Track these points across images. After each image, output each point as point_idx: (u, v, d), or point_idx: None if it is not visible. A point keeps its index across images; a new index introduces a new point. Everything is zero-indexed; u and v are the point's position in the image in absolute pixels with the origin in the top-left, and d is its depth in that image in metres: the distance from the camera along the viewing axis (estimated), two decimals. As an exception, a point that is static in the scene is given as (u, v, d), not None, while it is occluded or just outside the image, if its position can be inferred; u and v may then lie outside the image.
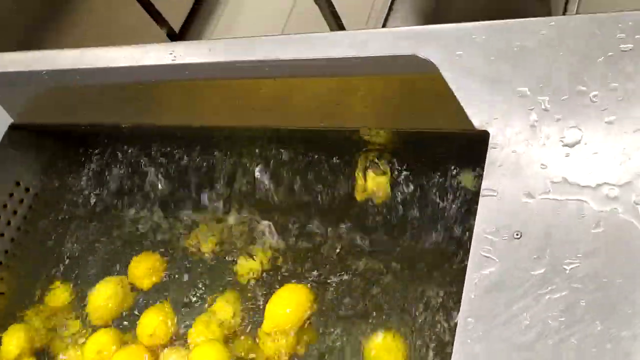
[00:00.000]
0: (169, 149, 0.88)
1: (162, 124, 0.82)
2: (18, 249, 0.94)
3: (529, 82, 0.57)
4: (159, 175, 0.88)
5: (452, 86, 0.57)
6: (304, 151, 0.76)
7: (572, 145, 0.53)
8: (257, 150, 0.79)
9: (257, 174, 0.79)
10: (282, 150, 0.76)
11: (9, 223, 0.93)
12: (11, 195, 0.94)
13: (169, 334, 0.78)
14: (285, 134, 0.74)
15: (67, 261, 0.94)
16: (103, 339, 0.80)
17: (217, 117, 0.77)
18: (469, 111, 0.57)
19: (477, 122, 0.57)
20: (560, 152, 0.54)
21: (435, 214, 0.69)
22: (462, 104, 0.57)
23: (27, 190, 0.96)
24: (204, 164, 0.84)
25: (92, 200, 0.95)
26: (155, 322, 0.78)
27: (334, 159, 0.75)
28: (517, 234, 0.51)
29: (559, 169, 0.53)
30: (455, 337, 0.49)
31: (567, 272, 0.49)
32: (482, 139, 0.56)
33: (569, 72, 0.55)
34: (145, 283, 0.85)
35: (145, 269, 0.85)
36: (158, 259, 0.86)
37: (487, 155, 0.56)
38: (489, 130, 0.56)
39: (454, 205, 0.68)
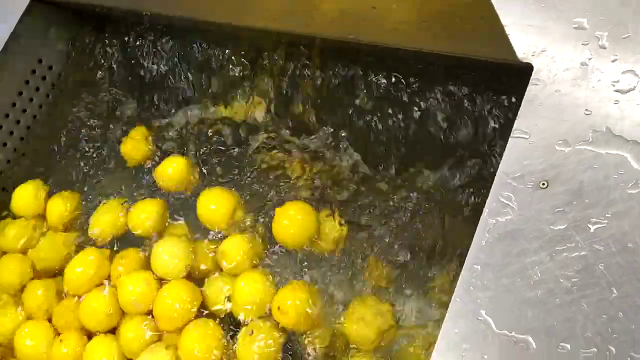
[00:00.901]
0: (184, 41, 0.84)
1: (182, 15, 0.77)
2: (38, 127, 0.93)
3: (589, 12, 0.50)
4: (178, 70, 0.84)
5: (499, 10, 0.50)
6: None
7: (624, 92, 0.47)
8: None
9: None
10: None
11: (31, 100, 0.92)
12: (33, 72, 0.92)
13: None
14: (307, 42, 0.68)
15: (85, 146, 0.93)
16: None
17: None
18: (514, 40, 0.51)
19: (522, 52, 0.51)
20: (610, 98, 0.48)
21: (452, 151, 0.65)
22: (507, 31, 0.51)
23: (49, 68, 0.93)
24: (222, 64, 0.80)
25: (111, 88, 0.92)
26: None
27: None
28: (543, 183, 0.47)
29: (605, 118, 0.47)
30: (458, 282, 0.47)
31: (591, 231, 0.45)
32: (523, 72, 0.50)
33: (637, 7, 0.48)
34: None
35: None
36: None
37: (527, 91, 0.50)
38: (533, 63, 0.50)
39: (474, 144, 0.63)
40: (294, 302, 0.64)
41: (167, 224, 0.78)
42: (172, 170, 0.79)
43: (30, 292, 0.77)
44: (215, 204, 0.73)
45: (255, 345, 0.63)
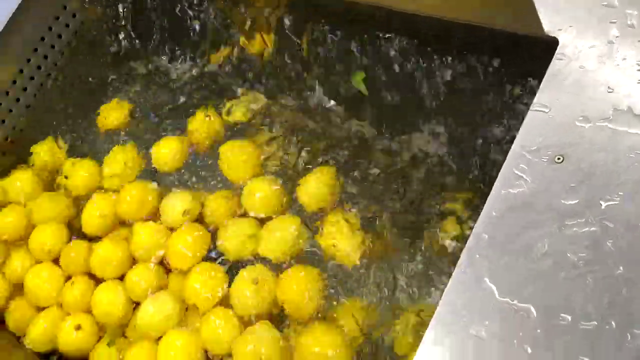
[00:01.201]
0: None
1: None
2: (61, 74, 0.94)
3: (621, -11, 0.50)
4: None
5: (529, -20, 0.50)
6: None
7: (649, 72, 0.47)
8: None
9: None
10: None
11: (52, 47, 0.92)
12: (57, 18, 0.92)
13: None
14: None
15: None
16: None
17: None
18: (542, 13, 0.50)
19: (548, 27, 0.50)
20: (634, 78, 0.47)
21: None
22: (535, 5, 0.50)
23: (73, 15, 0.94)
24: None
25: (133, 38, 0.92)
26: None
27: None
28: (559, 158, 0.47)
29: (627, 97, 0.47)
30: (464, 249, 0.47)
31: (603, 208, 0.45)
32: (548, 46, 0.50)
33: (671, -14, 0.47)
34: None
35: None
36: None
37: (550, 65, 0.50)
38: (559, 38, 0.50)
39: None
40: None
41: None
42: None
43: (39, 236, 0.78)
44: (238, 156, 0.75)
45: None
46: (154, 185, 0.78)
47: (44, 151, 0.87)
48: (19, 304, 0.77)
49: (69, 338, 0.71)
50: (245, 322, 0.65)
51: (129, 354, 0.68)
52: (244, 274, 0.66)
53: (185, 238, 0.71)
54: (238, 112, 0.82)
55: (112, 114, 0.88)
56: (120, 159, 0.81)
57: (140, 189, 0.77)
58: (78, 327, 0.71)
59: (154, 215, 0.76)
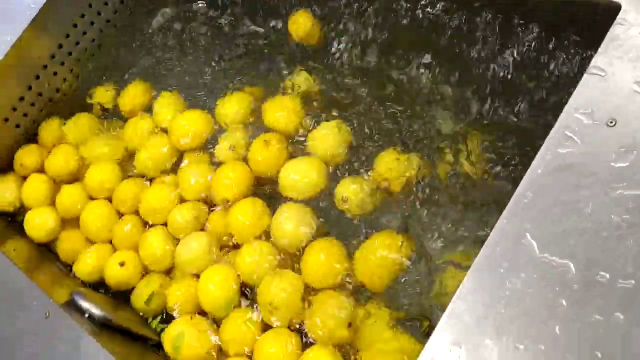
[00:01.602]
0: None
1: None
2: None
3: (690, -43, 0.49)
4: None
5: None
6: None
7: None
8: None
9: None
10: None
11: (106, 3, 0.94)
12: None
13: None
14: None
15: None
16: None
17: None
18: (607, -25, 0.50)
19: (612, -10, 0.50)
20: (695, 47, 0.47)
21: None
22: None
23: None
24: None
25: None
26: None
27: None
28: (611, 121, 0.47)
29: (686, 65, 0.47)
30: (508, 206, 0.48)
31: (651, 173, 0.45)
32: (610, 10, 0.50)
33: None
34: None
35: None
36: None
37: (610, 30, 0.50)
38: (622, 3, 0.50)
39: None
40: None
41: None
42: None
43: (95, 173, 0.82)
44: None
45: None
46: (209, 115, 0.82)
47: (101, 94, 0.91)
48: (69, 236, 0.81)
49: (113, 272, 0.75)
50: (286, 255, 0.69)
51: (170, 291, 0.71)
52: (284, 208, 0.69)
53: (231, 172, 0.74)
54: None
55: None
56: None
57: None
58: (122, 264, 0.75)
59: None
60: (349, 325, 0.62)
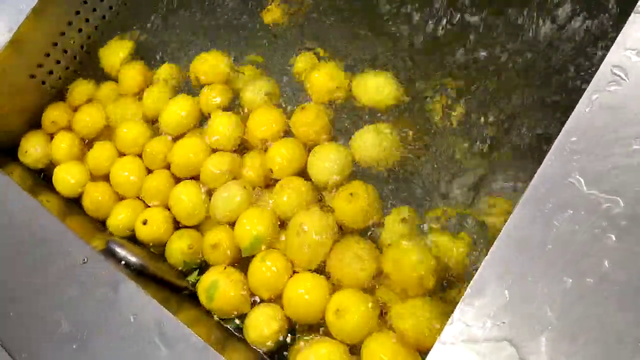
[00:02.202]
0: None
1: None
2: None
3: None
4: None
5: None
6: None
7: None
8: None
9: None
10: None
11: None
12: None
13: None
14: None
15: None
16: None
17: None
18: None
19: None
20: None
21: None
22: None
23: None
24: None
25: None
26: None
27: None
28: (660, 60, 0.47)
29: None
30: (554, 145, 0.48)
31: (701, 110, 0.45)
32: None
33: None
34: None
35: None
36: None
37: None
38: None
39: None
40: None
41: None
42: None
43: (125, 130, 0.82)
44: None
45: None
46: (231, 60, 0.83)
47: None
48: (99, 191, 0.81)
49: (139, 231, 0.76)
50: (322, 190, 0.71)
51: (206, 240, 0.72)
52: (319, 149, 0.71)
53: (266, 115, 0.76)
54: None
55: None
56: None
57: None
58: (144, 222, 0.75)
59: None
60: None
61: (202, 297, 0.66)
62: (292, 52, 0.82)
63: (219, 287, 0.66)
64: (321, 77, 0.77)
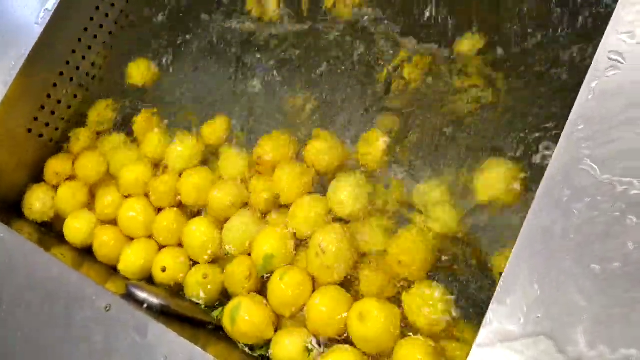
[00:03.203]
0: None
1: None
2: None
3: None
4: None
5: None
6: None
7: None
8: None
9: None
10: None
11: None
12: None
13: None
14: None
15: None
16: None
17: None
18: None
19: None
20: None
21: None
22: None
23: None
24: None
25: None
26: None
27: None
28: (654, 40, 0.48)
29: None
30: (563, 134, 0.49)
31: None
32: None
33: None
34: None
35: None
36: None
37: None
38: None
39: None
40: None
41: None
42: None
43: (128, 172, 0.83)
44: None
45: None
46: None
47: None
48: (108, 237, 0.81)
49: (159, 278, 0.76)
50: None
51: (227, 273, 0.72)
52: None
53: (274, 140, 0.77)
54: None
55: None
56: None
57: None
58: (164, 270, 0.75)
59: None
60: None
61: (226, 321, 0.66)
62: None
63: (242, 307, 0.66)
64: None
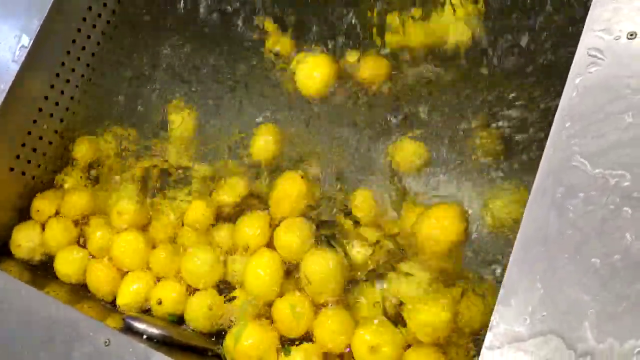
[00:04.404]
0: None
1: None
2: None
3: None
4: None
5: None
6: None
7: None
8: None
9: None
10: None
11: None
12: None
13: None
14: None
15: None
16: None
17: None
18: None
19: None
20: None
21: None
22: None
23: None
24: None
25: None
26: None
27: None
28: (631, 35, 0.49)
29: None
30: (551, 133, 0.49)
31: (681, 74, 0.47)
32: None
33: None
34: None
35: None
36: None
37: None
38: None
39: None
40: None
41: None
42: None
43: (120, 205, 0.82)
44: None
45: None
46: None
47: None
48: (101, 269, 0.80)
49: (156, 311, 0.75)
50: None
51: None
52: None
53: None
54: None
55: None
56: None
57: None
58: (159, 302, 0.74)
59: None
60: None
61: (230, 342, 0.65)
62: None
63: (247, 327, 0.65)
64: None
